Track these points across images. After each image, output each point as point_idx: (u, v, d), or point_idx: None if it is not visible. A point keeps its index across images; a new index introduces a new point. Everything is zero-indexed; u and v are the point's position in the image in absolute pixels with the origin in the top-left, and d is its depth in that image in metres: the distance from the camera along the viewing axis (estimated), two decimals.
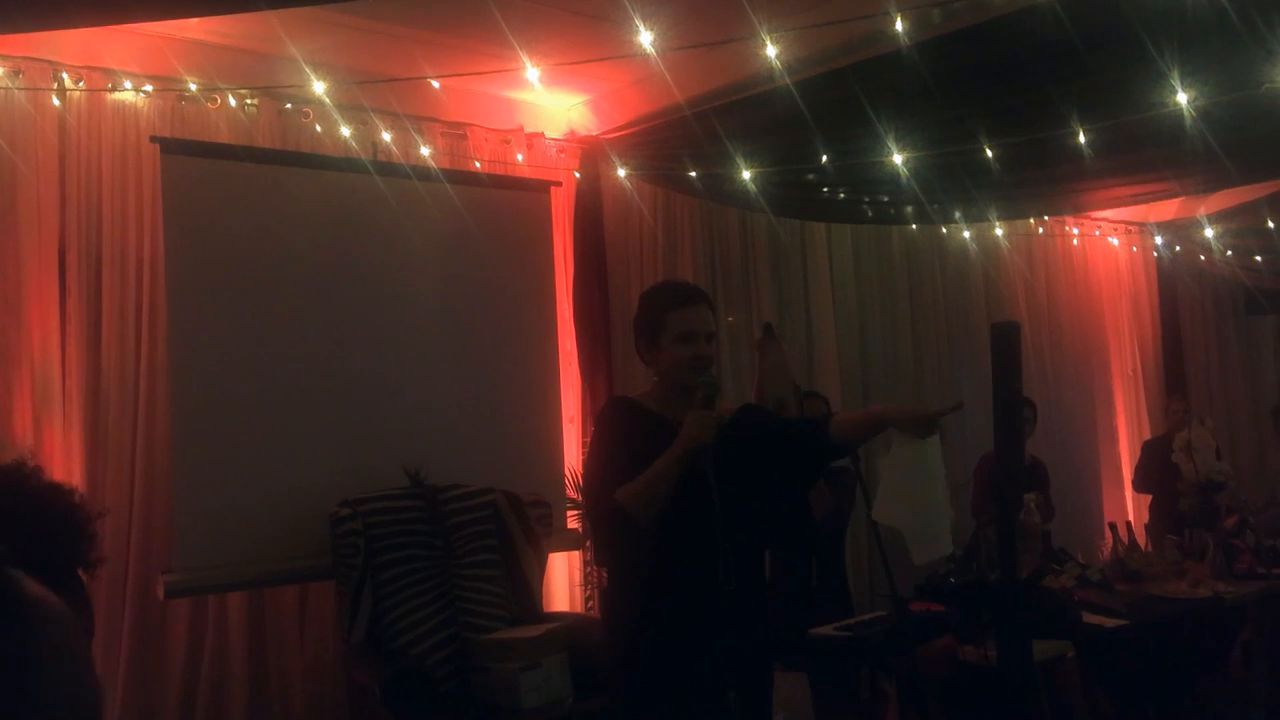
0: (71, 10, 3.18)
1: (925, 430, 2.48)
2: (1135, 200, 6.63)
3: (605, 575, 2.74)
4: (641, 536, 2.44)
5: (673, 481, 2.42)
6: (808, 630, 3.73)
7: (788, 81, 3.98)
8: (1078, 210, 7.16)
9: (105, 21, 3.70)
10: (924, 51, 3.73)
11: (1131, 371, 8.20)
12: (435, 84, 4.45)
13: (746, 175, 4.94)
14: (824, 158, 4.64)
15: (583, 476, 2.67)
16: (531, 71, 4.09)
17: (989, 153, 4.32)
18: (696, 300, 2.64)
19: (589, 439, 2.73)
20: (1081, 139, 4.02)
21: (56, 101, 4.14)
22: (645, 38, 3.59)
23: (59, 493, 1.56)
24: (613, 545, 2.57)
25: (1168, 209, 7.96)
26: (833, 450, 2.56)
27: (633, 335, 2.71)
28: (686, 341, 2.56)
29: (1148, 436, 7.63)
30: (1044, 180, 5.23)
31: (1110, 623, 4.07)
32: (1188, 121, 3.61)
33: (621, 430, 2.56)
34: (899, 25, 3.49)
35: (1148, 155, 4.39)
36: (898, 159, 4.48)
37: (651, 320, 2.61)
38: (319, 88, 4.30)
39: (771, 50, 3.61)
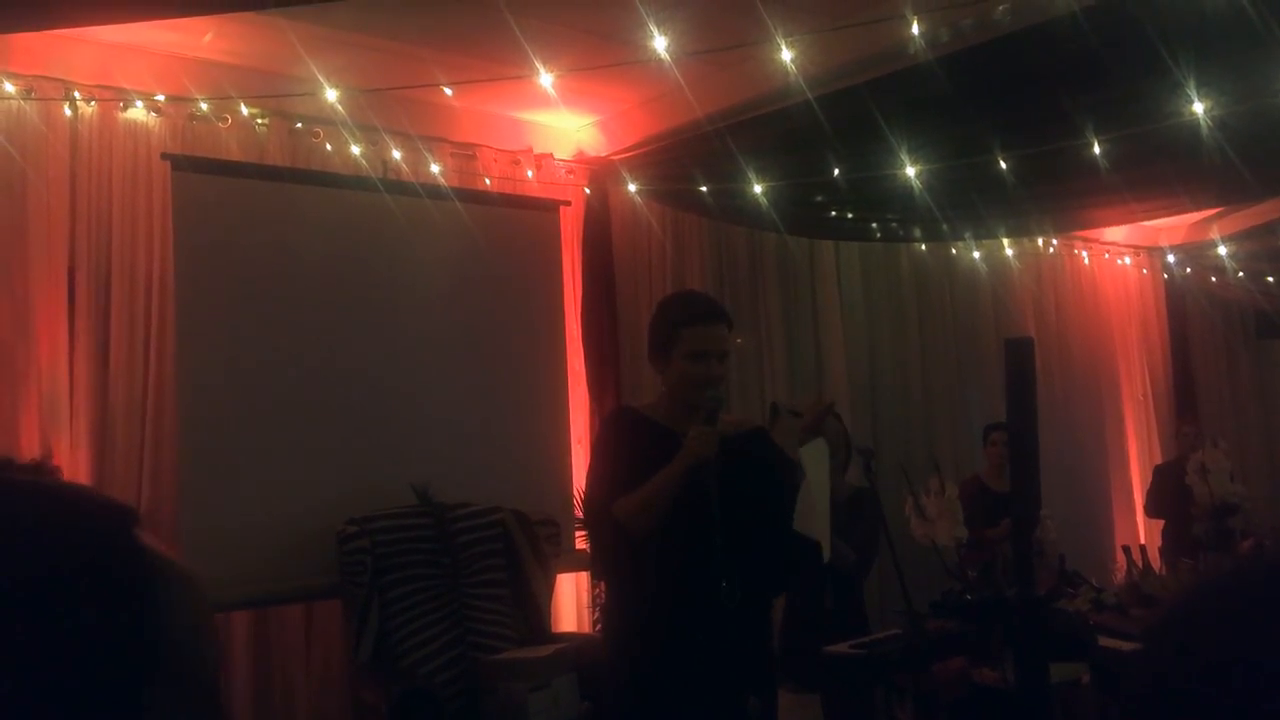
0: (72, 8, 3.18)
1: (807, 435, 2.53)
2: (1148, 214, 6.60)
3: (604, 589, 2.71)
4: (638, 551, 2.42)
5: (671, 497, 2.40)
6: (820, 649, 3.68)
7: (807, 95, 3.99)
8: (1090, 226, 7.13)
9: (108, 20, 3.71)
10: (941, 67, 3.73)
11: (1142, 396, 8.15)
12: (448, 91, 4.46)
13: (758, 189, 4.94)
14: (835, 172, 4.63)
15: (584, 485, 2.65)
16: (545, 77, 4.09)
17: (1003, 165, 4.31)
18: (713, 319, 2.59)
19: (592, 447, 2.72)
20: (1096, 150, 4.01)
21: (68, 111, 4.15)
22: (660, 43, 3.58)
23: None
24: (609, 559, 2.54)
25: (1179, 231, 7.94)
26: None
27: (646, 341, 2.69)
28: (698, 360, 2.53)
29: (1159, 461, 7.57)
30: (1057, 195, 5.21)
31: (1126, 646, 4.02)
32: (1204, 131, 3.60)
33: (624, 441, 2.53)
34: (915, 31, 3.48)
35: (1163, 167, 4.37)
36: (910, 171, 4.47)
37: (665, 332, 2.58)
38: (331, 95, 4.30)
39: (787, 54, 3.60)
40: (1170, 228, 7.96)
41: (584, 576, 5.16)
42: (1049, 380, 7.27)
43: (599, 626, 4.99)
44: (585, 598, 5.20)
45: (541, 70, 4.11)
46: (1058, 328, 7.54)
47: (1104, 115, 3.88)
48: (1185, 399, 8.19)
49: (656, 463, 2.44)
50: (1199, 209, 6.49)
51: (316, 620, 4.40)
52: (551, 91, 4.33)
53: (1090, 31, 3.19)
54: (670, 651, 2.42)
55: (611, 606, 2.64)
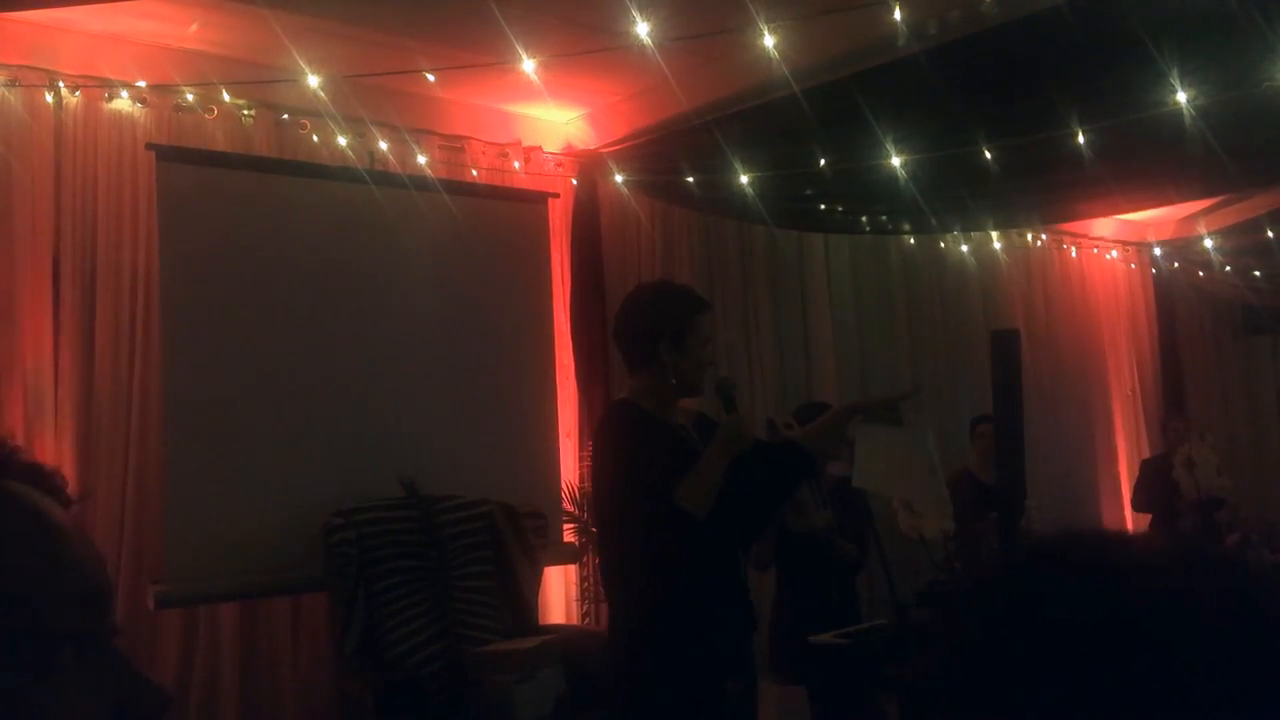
0: None
1: (890, 416, 2.60)
2: (1134, 206, 6.61)
3: (620, 584, 2.64)
4: (685, 538, 2.44)
5: (721, 483, 2.44)
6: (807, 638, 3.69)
7: (796, 88, 3.99)
8: (1077, 218, 7.15)
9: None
10: (928, 59, 3.74)
11: (1130, 392, 8.17)
12: (430, 77, 4.45)
13: (744, 179, 4.94)
14: (821, 162, 4.64)
15: (606, 481, 2.57)
16: (527, 64, 4.10)
17: (991, 157, 4.32)
18: (711, 304, 2.73)
19: (600, 444, 2.66)
20: (1085, 141, 4.02)
21: (49, 97, 4.12)
22: (643, 29, 3.59)
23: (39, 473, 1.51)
24: (662, 547, 2.49)
25: (1168, 227, 7.97)
26: (810, 459, 2.62)
27: (640, 338, 2.65)
28: (709, 343, 2.60)
29: (1146, 455, 7.59)
30: (1043, 187, 5.22)
31: None
32: (1187, 121, 3.61)
33: (645, 431, 2.54)
34: (898, 17, 3.49)
35: (1148, 158, 4.38)
36: (895, 161, 4.48)
37: (679, 322, 2.58)
38: (313, 81, 4.29)
39: (770, 40, 3.60)
40: (1159, 223, 7.99)
41: (572, 569, 5.15)
42: (1038, 375, 7.28)
43: (590, 620, 4.98)
44: (574, 590, 5.19)
45: (523, 56, 4.11)
46: (1046, 323, 7.56)
47: (1091, 106, 3.88)
48: (1173, 394, 8.22)
49: (669, 454, 2.49)
50: (1185, 200, 6.49)
51: (304, 613, 4.39)
52: (534, 78, 4.32)
53: (1077, 23, 3.20)
54: (685, 636, 2.44)
55: (634, 596, 2.57)
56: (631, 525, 2.52)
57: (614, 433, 2.62)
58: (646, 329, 2.63)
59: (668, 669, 2.41)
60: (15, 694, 0.60)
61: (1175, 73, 3.33)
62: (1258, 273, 7.40)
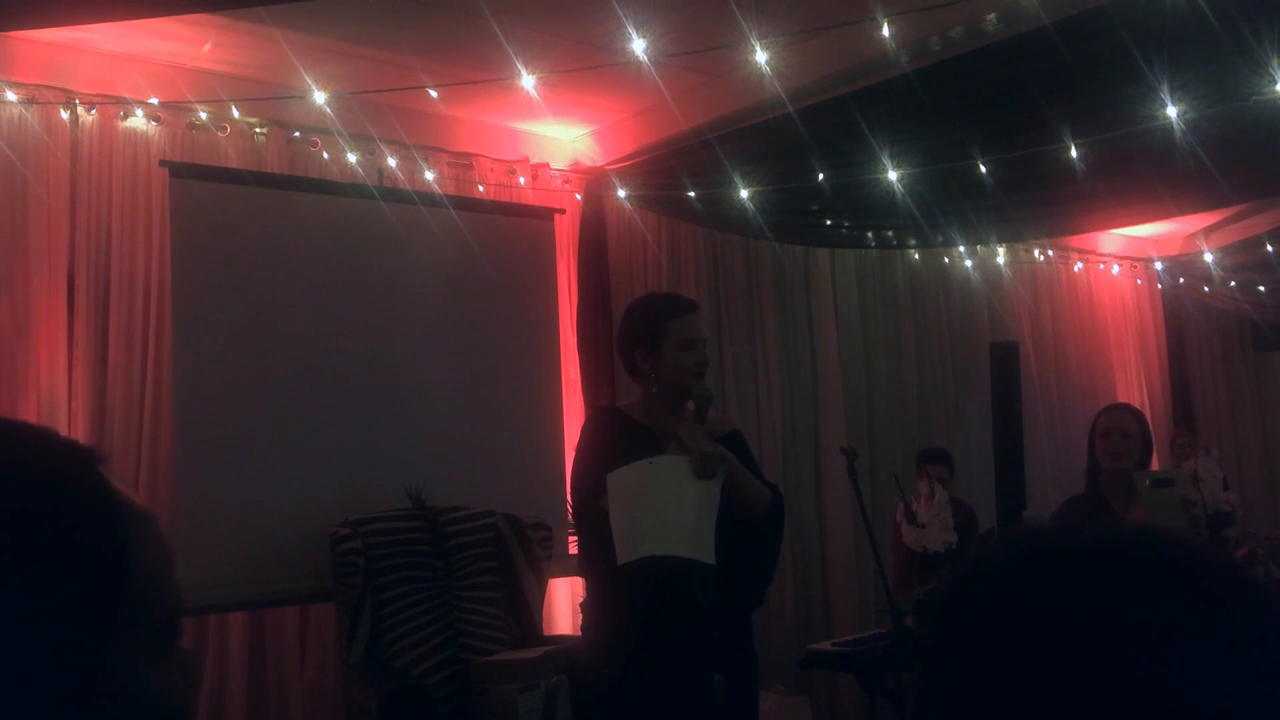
0: (62, 7, 3.25)
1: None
2: (1133, 219, 6.62)
3: (584, 583, 2.78)
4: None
5: None
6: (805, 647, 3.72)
7: (796, 106, 4.04)
8: (1080, 231, 7.16)
9: (98, 18, 3.78)
10: (928, 76, 3.79)
11: (1139, 407, 8.15)
12: (433, 93, 4.53)
13: (744, 194, 4.99)
14: (820, 176, 4.69)
15: (570, 482, 2.74)
16: (527, 79, 4.18)
17: (995, 173, 4.36)
18: (695, 308, 2.75)
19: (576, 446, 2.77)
20: (1074, 153, 4.06)
21: (65, 115, 4.20)
22: (639, 45, 3.66)
23: None
24: (590, 552, 2.59)
25: (1175, 243, 7.98)
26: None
27: (622, 350, 2.76)
28: (689, 348, 2.62)
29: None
30: (1042, 201, 5.25)
31: None
32: (1178, 135, 3.65)
33: (606, 437, 2.59)
34: (894, 36, 3.55)
35: (1142, 172, 4.42)
36: (893, 175, 4.52)
37: (652, 327, 2.65)
38: (319, 97, 4.37)
39: (764, 57, 3.66)
40: (1165, 240, 8.01)
41: (577, 581, 5.18)
42: (1045, 391, 7.30)
43: (580, 616, 5.02)
44: (578, 602, 5.22)
45: (523, 72, 4.18)
46: (1054, 339, 7.57)
47: (1084, 121, 3.92)
48: (1182, 411, 8.21)
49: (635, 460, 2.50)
50: (1183, 212, 6.49)
51: (311, 622, 4.44)
52: (534, 94, 4.39)
53: (1064, 43, 3.25)
54: (641, 643, 2.46)
55: (589, 599, 2.70)
56: (577, 525, 2.63)
57: (581, 435, 2.77)
58: (624, 340, 2.75)
59: (607, 672, 2.46)
60: (139, 682, 0.67)
61: (1165, 87, 3.37)
62: (1262, 288, 7.41)
